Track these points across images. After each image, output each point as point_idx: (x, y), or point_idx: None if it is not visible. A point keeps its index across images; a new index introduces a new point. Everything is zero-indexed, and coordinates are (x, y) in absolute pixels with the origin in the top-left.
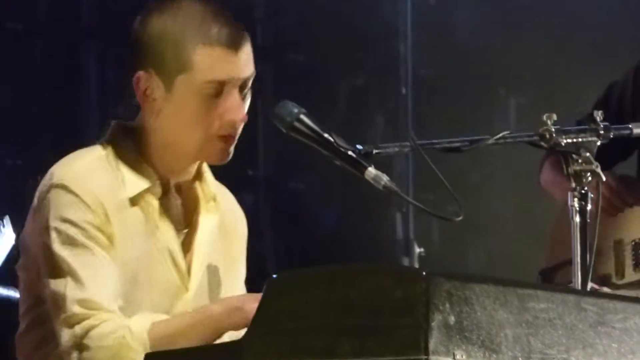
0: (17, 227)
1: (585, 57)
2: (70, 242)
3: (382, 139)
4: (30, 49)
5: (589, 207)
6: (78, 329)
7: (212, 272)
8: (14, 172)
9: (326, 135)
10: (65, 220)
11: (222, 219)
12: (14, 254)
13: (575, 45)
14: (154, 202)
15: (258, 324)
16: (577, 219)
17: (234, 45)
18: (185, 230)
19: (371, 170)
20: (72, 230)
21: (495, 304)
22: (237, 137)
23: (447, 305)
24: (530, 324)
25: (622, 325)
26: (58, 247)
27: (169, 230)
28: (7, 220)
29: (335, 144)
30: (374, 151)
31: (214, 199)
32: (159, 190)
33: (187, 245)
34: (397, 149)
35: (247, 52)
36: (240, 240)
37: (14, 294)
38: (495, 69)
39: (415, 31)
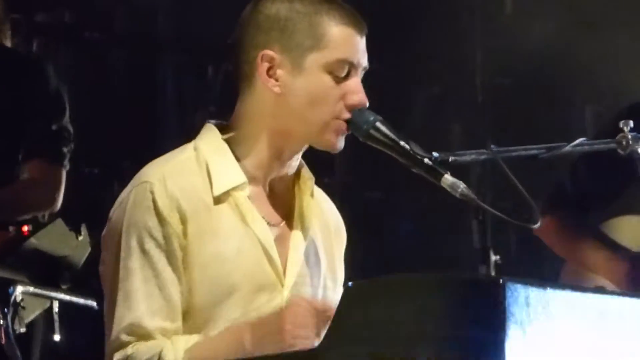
0: (93, 236)
1: None
2: (135, 249)
3: (459, 147)
4: (108, 59)
5: None
6: (117, 355)
7: (313, 266)
8: (91, 181)
9: (402, 142)
10: (137, 225)
11: (323, 216)
12: (90, 262)
13: None
14: (242, 199)
15: (334, 332)
16: None
17: (360, 29)
18: (281, 224)
19: (448, 178)
20: (141, 236)
21: (572, 311)
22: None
23: (524, 313)
24: (607, 331)
25: None
26: (123, 254)
27: (261, 224)
28: (83, 228)
29: (411, 152)
30: (451, 158)
31: (312, 195)
32: (248, 187)
33: (282, 240)
34: (473, 157)
35: (365, 42)
36: (341, 243)
37: (91, 302)
38: (571, 76)
39: (491, 39)
